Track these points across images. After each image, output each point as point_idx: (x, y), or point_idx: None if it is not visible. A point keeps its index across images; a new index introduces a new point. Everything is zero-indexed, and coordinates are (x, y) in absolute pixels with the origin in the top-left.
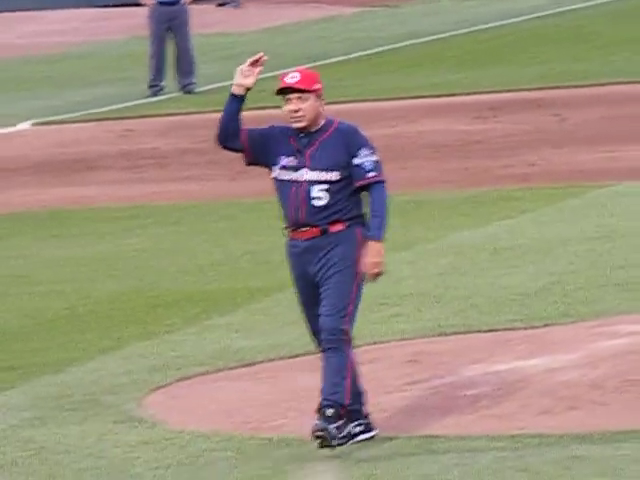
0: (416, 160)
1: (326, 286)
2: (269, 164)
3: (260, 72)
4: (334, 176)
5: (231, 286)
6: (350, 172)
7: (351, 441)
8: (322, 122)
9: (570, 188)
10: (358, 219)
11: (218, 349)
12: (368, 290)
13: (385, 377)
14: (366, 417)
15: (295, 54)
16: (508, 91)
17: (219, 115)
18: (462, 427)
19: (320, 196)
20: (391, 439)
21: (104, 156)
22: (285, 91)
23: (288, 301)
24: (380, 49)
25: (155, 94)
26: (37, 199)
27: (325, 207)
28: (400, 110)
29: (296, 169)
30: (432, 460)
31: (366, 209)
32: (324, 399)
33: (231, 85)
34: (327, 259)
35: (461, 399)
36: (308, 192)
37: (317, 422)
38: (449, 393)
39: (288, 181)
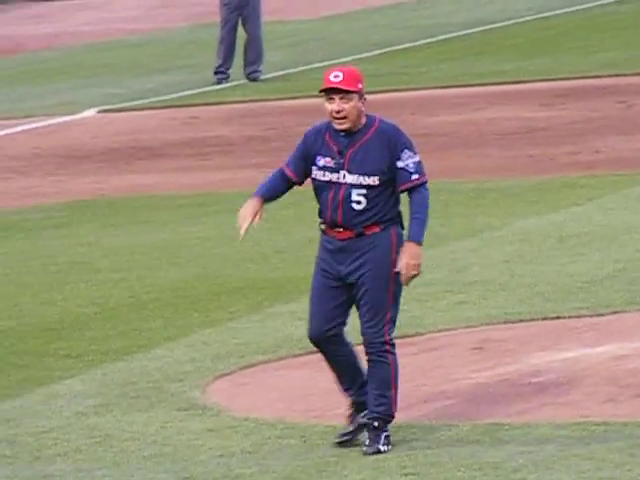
0: (481, 147)
1: (362, 292)
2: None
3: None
4: (374, 181)
5: (294, 274)
6: (393, 175)
7: (360, 433)
8: (363, 121)
9: (636, 175)
10: (394, 220)
11: (281, 337)
12: (435, 277)
13: (450, 365)
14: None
15: (358, 41)
16: (574, 78)
17: (283, 103)
18: (527, 415)
19: (359, 200)
20: (456, 426)
21: (168, 144)
22: (328, 90)
23: None
24: (446, 36)
25: (220, 81)
26: (100, 187)
27: (363, 211)
28: (466, 97)
29: (335, 170)
30: (497, 448)
31: (403, 208)
32: (370, 411)
33: (295, 73)
34: (362, 262)
35: (526, 387)
36: (347, 195)
37: (366, 445)
38: (514, 381)
39: (327, 182)
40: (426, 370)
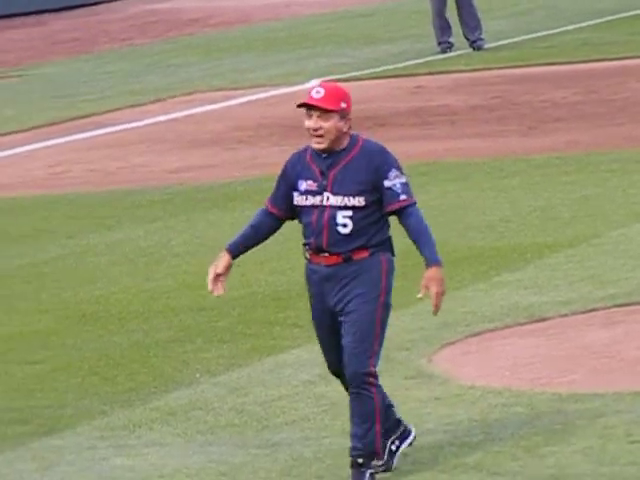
0: None
1: (349, 321)
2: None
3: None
4: (360, 201)
5: (520, 242)
6: (380, 195)
7: (393, 459)
8: (345, 142)
9: None
10: (383, 245)
11: (507, 305)
12: None
13: None
14: (399, 424)
15: (583, 10)
16: None
17: (507, 72)
18: None
19: (345, 223)
20: None
21: (394, 113)
22: (307, 106)
23: (579, 257)
24: None
25: (444, 51)
26: None
27: (350, 234)
28: None
29: (318, 193)
30: None
31: (391, 233)
32: (354, 447)
33: (519, 41)
34: (349, 289)
35: None
36: (332, 218)
37: (352, 476)
38: None
39: (310, 206)
40: None
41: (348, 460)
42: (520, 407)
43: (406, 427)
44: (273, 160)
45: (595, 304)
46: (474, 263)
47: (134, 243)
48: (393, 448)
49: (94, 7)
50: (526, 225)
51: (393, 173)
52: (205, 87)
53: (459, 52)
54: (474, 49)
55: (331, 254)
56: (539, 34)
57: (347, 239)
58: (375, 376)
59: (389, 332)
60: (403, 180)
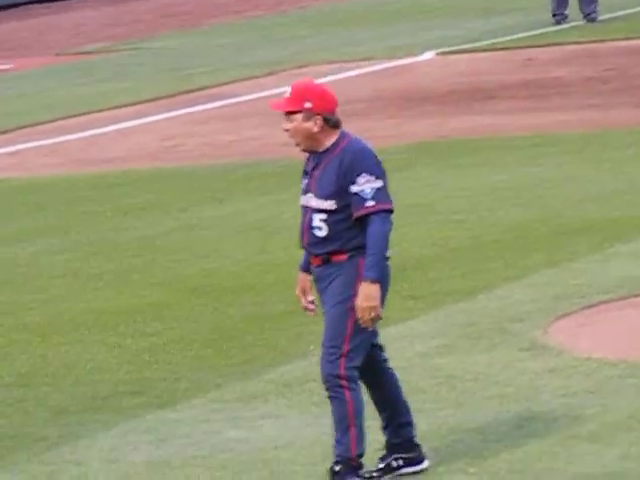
0: None
1: (324, 322)
2: None
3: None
4: (331, 205)
5: (635, 214)
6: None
7: (389, 475)
8: (330, 141)
9: None
10: (363, 248)
11: (622, 277)
12: None
13: None
14: (412, 448)
15: None
16: None
17: (620, 44)
18: None
19: (320, 226)
20: None
21: (506, 85)
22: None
23: None
24: None
25: (559, 23)
26: (439, 129)
27: (325, 238)
28: None
29: (305, 192)
30: None
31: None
32: (335, 454)
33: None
34: (327, 292)
35: None
36: (310, 220)
37: None
38: None
39: (302, 206)
40: None
41: (464, 433)
42: (635, 379)
43: (420, 454)
44: (388, 132)
45: None
46: (588, 234)
47: (246, 216)
48: (394, 465)
49: None
50: None
51: (363, 178)
52: (317, 60)
53: (572, 24)
54: (588, 21)
55: (315, 255)
56: None
57: (324, 242)
58: (347, 378)
59: (502, 304)
60: (376, 185)
